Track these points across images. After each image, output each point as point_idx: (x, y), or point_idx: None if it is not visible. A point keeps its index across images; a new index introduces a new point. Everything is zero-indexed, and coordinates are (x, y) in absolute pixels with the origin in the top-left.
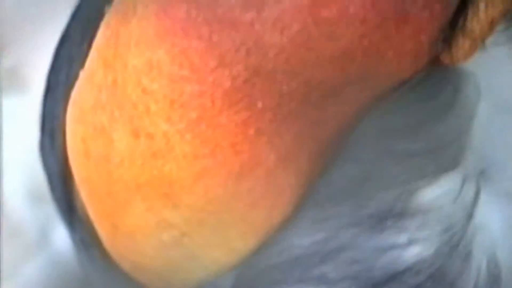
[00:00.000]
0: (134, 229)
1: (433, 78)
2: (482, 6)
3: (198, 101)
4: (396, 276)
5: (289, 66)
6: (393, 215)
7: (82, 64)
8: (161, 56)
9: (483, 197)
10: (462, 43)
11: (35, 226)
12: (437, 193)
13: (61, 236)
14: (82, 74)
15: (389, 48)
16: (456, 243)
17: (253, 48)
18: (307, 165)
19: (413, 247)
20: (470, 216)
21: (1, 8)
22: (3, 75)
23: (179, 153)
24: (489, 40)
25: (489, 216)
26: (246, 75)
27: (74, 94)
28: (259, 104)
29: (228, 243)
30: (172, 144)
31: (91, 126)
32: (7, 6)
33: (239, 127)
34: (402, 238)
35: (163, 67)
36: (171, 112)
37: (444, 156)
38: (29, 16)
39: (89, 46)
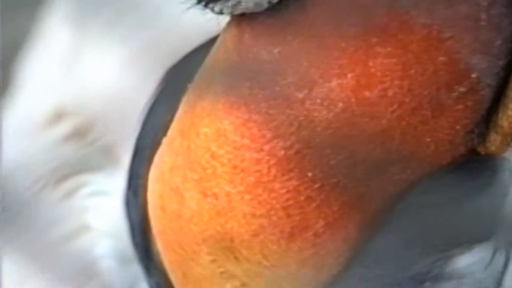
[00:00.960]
0: (201, 278)
1: (473, 161)
2: (511, 105)
3: (256, 167)
4: None
5: (335, 140)
6: (430, 278)
7: (165, 132)
8: (227, 126)
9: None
10: (495, 139)
11: (124, 285)
12: (470, 260)
13: None
14: (164, 141)
15: (426, 132)
16: None
17: (304, 123)
18: (354, 232)
19: None
20: (499, 283)
21: (91, 89)
22: (96, 152)
23: (239, 212)
24: None
25: None
26: (297, 147)
27: (156, 157)
28: (309, 174)
29: None
30: (234, 204)
31: (167, 186)
32: (98, 87)
33: (290, 193)
34: None
35: (228, 135)
36: (234, 176)
37: (479, 228)
38: (120, 94)
39: (172, 117)
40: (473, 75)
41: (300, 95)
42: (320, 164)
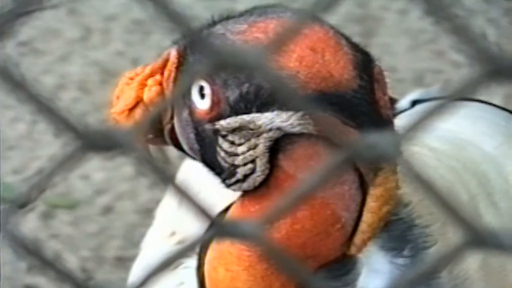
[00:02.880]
0: None
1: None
2: (360, 232)
3: None
4: None
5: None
6: None
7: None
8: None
9: None
10: (353, 246)
11: None
12: None
13: None
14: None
15: (322, 244)
16: None
17: None
18: None
19: None
20: None
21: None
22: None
23: None
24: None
25: None
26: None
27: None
28: None
29: None
30: None
31: None
32: None
33: None
34: None
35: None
36: None
37: None
38: None
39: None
40: (343, 220)
41: (267, 227)
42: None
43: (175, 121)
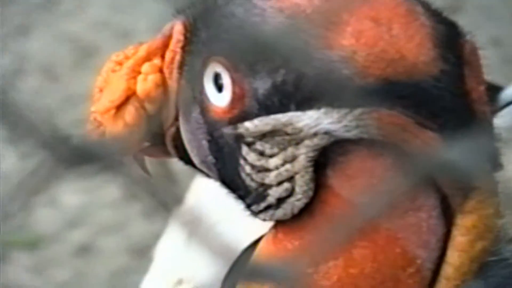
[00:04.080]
0: None
1: None
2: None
3: None
4: None
5: None
6: None
7: None
8: None
9: None
10: None
11: None
12: None
13: None
14: None
15: None
16: None
17: None
18: None
19: None
20: None
21: (199, 268)
22: None
23: None
24: None
25: None
26: None
27: None
28: None
29: None
30: None
31: None
32: None
33: None
34: None
35: None
36: None
37: None
38: None
39: None
40: (418, 261)
41: (310, 271)
42: None
43: (181, 123)
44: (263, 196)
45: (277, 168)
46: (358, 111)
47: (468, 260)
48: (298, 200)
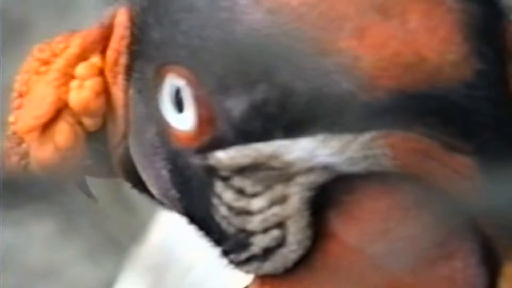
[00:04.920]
0: None
1: None
2: None
3: None
4: None
5: None
6: None
7: None
8: None
9: None
10: None
11: None
12: None
13: None
14: None
15: None
16: None
17: None
18: None
19: None
20: None
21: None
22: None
23: None
24: None
25: None
26: None
27: None
28: None
29: None
30: None
31: None
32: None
33: None
34: None
35: None
36: None
37: None
38: None
39: None
40: None
41: None
42: None
43: (132, 145)
44: (244, 245)
45: (262, 211)
46: (365, 136)
47: None
48: (292, 251)
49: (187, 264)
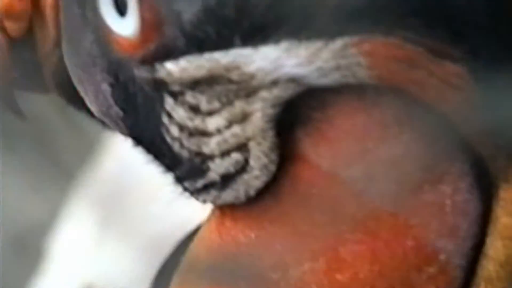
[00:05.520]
0: None
1: None
2: (482, 285)
3: None
4: None
5: None
6: None
7: None
8: None
9: None
10: None
11: None
12: None
13: None
14: None
15: None
16: None
17: None
18: None
19: None
20: None
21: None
22: None
23: None
24: None
25: None
26: None
27: None
28: None
29: None
30: None
31: None
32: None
33: None
34: None
35: None
36: None
37: None
38: None
39: None
40: (441, 257)
41: (275, 276)
42: None
43: (66, 54)
44: (200, 170)
45: (219, 131)
46: (337, 43)
47: None
48: (255, 177)
49: (144, 195)
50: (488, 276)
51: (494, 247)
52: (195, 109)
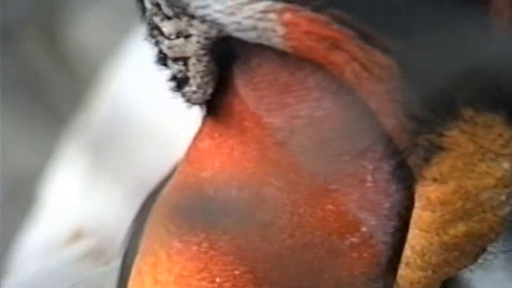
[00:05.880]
0: None
1: None
2: (407, 265)
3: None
4: None
5: (235, 248)
6: None
7: None
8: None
9: None
10: None
11: None
12: None
13: None
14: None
15: (324, 269)
16: None
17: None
18: None
19: None
20: None
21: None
22: (110, 272)
23: None
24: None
25: None
26: (205, 246)
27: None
28: (217, 280)
29: None
30: None
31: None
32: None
33: None
34: None
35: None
36: None
37: None
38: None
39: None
40: (364, 229)
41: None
42: (225, 271)
43: None
44: (165, 64)
45: (169, 37)
46: (262, 4)
47: (440, 247)
48: (194, 92)
49: (136, 140)
50: (407, 262)
51: (413, 236)
52: (157, 6)
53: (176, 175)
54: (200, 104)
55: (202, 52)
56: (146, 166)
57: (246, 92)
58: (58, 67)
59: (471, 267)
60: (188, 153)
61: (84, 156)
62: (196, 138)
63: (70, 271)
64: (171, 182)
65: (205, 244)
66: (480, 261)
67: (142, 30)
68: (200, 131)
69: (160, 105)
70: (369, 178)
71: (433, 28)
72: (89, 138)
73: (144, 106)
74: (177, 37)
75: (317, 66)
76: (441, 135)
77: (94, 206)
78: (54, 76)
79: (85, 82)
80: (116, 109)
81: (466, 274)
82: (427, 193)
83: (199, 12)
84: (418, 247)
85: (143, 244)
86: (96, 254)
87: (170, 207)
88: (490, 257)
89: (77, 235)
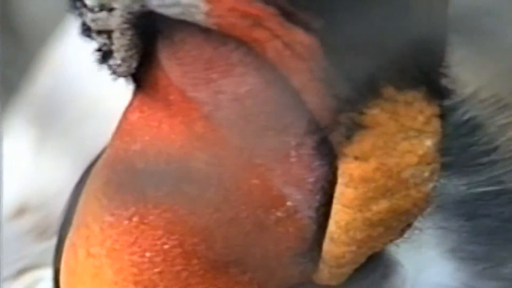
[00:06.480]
0: None
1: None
2: (332, 240)
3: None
4: None
5: (164, 222)
6: None
7: None
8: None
9: None
10: (322, 269)
11: None
12: None
13: None
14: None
15: (250, 243)
16: None
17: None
18: None
19: None
20: None
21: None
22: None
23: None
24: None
25: None
26: (136, 220)
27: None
28: (147, 254)
29: None
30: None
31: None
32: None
33: (135, 266)
34: None
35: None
36: None
37: None
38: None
39: None
40: (289, 204)
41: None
42: (154, 246)
43: None
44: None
45: (92, 10)
46: None
47: (363, 223)
48: (118, 66)
49: (82, 112)
50: (332, 237)
51: (337, 211)
52: None
53: (108, 148)
54: (125, 77)
55: (125, 26)
56: (89, 139)
57: (170, 66)
58: (8, 36)
59: (397, 242)
60: (119, 126)
61: (30, 128)
62: (126, 111)
63: (14, 246)
64: (104, 155)
65: (135, 218)
66: (406, 236)
67: None
68: (130, 104)
69: (103, 77)
70: (292, 153)
71: (355, 7)
72: (34, 110)
73: (87, 78)
74: (100, 10)
75: (241, 42)
76: (362, 113)
77: (40, 180)
78: (2, 45)
79: (34, 51)
80: (60, 80)
81: (392, 248)
82: (349, 170)
83: None
84: (342, 223)
85: (77, 217)
86: (40, 230)
87: (103, 180)
88: (416, 231)
89: (22, 210)
